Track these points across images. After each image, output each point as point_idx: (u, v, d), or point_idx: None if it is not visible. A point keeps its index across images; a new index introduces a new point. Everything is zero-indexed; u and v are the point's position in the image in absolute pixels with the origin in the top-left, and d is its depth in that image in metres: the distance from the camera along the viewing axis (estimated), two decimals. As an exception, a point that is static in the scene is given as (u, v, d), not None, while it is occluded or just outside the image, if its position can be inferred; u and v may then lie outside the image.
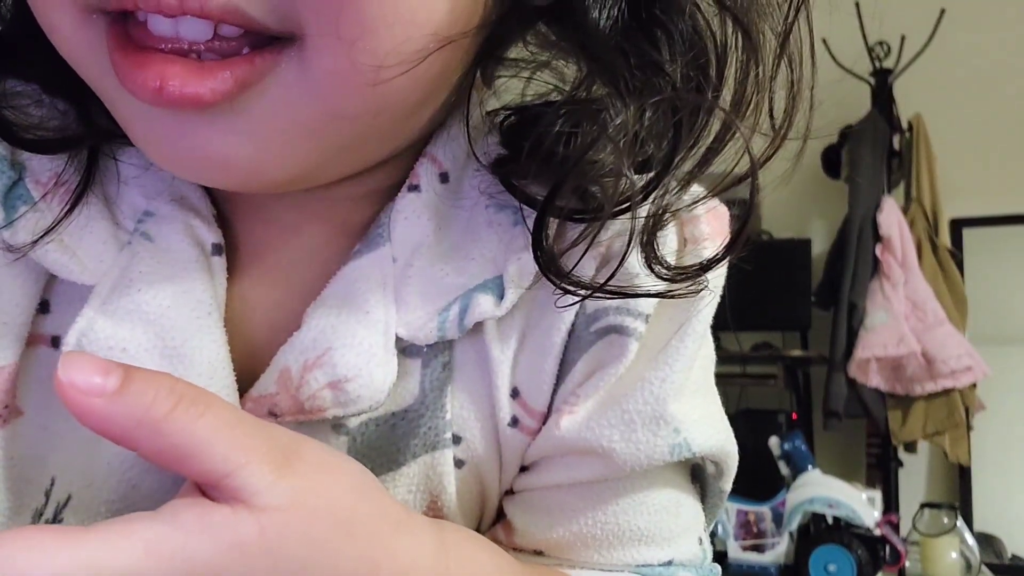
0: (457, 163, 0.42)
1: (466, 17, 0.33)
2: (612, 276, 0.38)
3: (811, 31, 0.37)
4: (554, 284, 0.38)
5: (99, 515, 0.38)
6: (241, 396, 0.39)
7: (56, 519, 0.38)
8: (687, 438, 0.43)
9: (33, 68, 0.38)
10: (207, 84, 0.30)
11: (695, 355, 0.44)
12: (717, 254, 0.40)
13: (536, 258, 0.38)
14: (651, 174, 0.38)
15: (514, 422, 0.43)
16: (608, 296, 0.40)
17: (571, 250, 0.39)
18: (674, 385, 0.42)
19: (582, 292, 0.39)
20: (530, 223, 0.39)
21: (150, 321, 0.37)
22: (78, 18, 0.32)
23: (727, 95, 0.37)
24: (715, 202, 0.43)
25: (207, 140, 0.32)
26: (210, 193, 0.41)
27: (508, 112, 0.42)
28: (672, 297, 0.40)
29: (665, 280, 0.39)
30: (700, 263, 0.40)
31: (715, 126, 0.37)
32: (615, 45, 0.36)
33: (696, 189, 0.40)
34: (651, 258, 0.39)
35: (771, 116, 0.37)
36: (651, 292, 0.40)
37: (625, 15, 0.36)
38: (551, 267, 0.38)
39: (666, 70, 0.36)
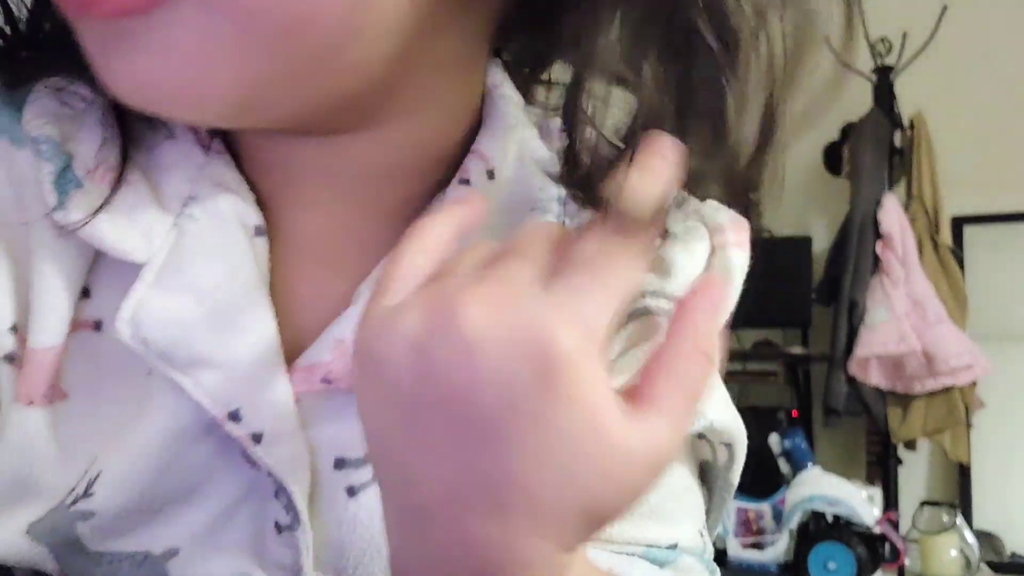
0: (503, 161, 0.44)
1: None
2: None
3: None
4: (582, 203, 0.40)
5: (136, 487, 0.38)
6: (288, 367, 0.40)
7: (87, 493, 0.39)
8: (705, 411, 0.43)
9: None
10: None
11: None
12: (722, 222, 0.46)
13: (569, 179, 0.40)
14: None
15: None
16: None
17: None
18: None
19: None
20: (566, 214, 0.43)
21: (202, 294, 0.38)
22: None
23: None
24: (736, 215, 0.47)
25: (135, 61, 0.34)
26: (249, 181, 0.42)
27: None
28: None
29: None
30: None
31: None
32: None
33: (717, 204, 0.45)
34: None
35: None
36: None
37: None
38: (585, 186, 0.39)
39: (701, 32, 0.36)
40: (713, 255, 0.46)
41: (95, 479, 0.39)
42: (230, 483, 0.40)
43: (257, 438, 0.38)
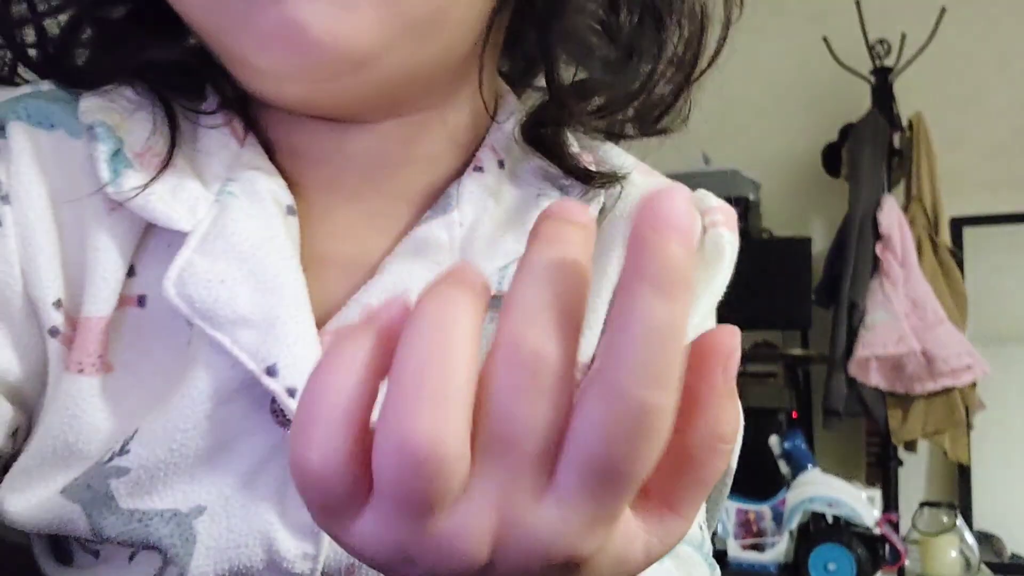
0: (510, 153, 0.49)
1: None
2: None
3: None
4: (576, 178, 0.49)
5: (171, 443, 0.41)
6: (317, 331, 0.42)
7: (123, 451, 0.41)
8: None
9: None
10: None
11: (706, 317, 0.49)
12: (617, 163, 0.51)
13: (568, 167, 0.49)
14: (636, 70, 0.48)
15: None
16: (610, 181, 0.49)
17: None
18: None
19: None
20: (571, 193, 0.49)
21: (244, 258, 0.41)
22: None
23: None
24: (722, 201, 0.51)
25: (289, 7, 0.37)
26: (281, 171, 0.46)
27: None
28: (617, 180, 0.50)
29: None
30: (610, 168, 0.51)
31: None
32: None
33: (705, 191, 0.51)
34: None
35: None
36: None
37: None
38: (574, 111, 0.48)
39: None
40: (704, 235, 0.49)
41: (131, 437, 0.41)
42: (258, 443, 0.42)
43: (292, 392, 0.40)
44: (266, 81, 0.42)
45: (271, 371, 0.40)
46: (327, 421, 0.25)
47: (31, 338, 0.43)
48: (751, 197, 2.82)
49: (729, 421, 0.27)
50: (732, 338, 0.27)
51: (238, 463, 0.41)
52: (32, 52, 0.46)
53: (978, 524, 2.68)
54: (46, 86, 0.45)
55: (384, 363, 0.25)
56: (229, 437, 0.41)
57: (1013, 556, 2.61)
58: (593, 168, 0.49)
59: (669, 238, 0.23)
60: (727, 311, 0.49)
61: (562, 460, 0.25)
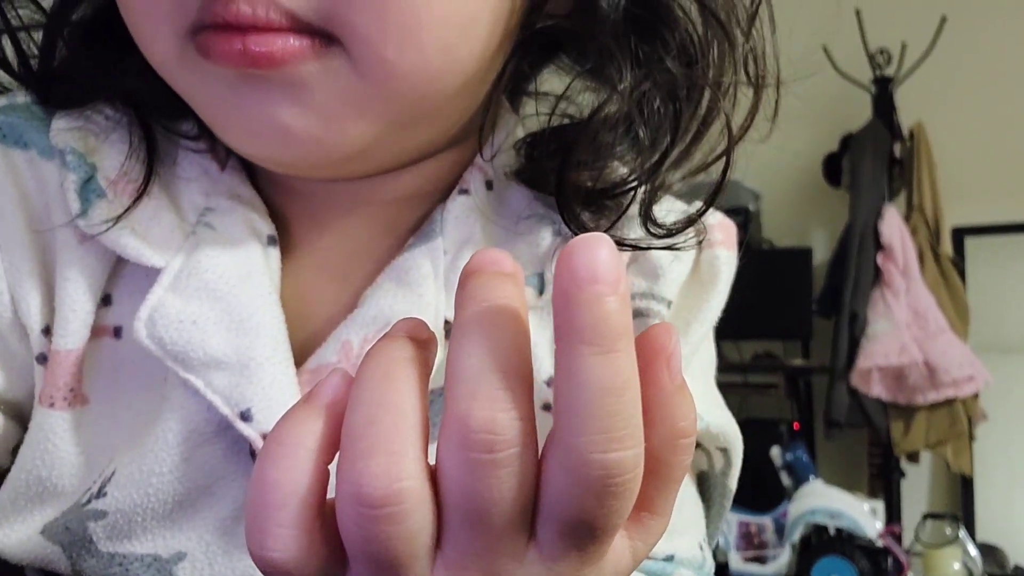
0: (499, 173, 0.47)
1: (501, 6, 0.38)
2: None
3: (772, 20, 0.43)
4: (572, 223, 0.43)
5: (148, 488, 0.40)
6: (296, 369, 0.41)
7: (100, 493, 0.40)
8: (700, 413, 0.43)
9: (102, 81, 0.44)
10: (278, 44, 0.34)
11: (701, 340, 0.47)
12: (701, 208, 0.45)
13: (569, 227, 0.43)
14: (653, 158, 0.43)
15: (547, 407, 0.43)
16: (627, 248, 0.44)
17: (600, 223, 0.44)
18: (687, 365, 0.45)
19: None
20: (563, 226, 0.44)
21: (217, 297, 0.40)
22: (173, 41, 0.36)
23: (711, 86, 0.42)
24: (723, 216, 0.49)
25: (275, 111, 0.36)
26: (264, 199, 0.45)
27: (530, 135, 0.47)
28: (677, 248, 0.45)
29: (662, 237, 0.44)
30: (688, 216, 0.45)
31: (700, 110, 0.43)
32: (617, 33, 0.41)
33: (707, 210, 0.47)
34: (649, 221, 0.44)
35: (753, 81, 0.43)
36: (661, 247, 0.44)
37: (624, 12, 0.40)
38: (582, 231, 0.43)
39: (663, 58, 0.41)
40: (700, 255, 0.47)
41: (109, 479, 0.40)
42: (238, 487, 0.41)
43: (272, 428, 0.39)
44: (253, 157, 0.42)
45: (245, 416, 0.39)
46: (279, 515, 0.24)
47: (25, 362, 0.42)
48: (751, 207, 2.82)
49: (685, 416, 0.26)
50: (668, 336, 0.26)
51: (219, 508, 0.40)
52: (12, 62, 0.45)
53: (981, 536, 2.67)
54: (22, 98, 0.44)
55: (333, 437, 0.25)
56: (208, 481, 0.40)
57: (1016, 568, 2.60)
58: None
59: (596, 292, 0.22)
60: (728, 322, 0.48)
61: (538, 517, 0.25)
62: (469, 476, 0.24)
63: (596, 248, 0.23)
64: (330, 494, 0.25)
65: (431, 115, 0.40)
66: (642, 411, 0.25)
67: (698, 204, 0.48)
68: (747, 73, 0.42)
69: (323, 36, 0.35)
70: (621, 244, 0.44)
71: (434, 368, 0.27)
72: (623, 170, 0.44)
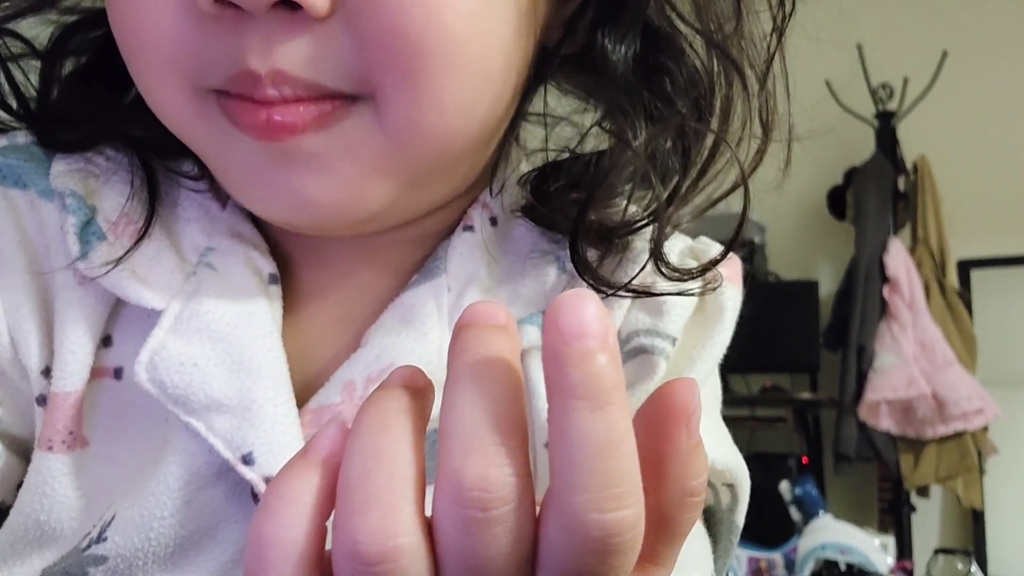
0: (504, 210, 0.47)
1: (516, 62, 0.38)
2: (634, 277, 0.44)
3: (784, 64, 0.43)
4: (592, 287, 0.42)
5: (149, 532, 0.39)
6: (299, 409, 0.41)
7: (100, 538, 0.39)
8: (706, 450, 0.43)
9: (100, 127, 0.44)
10: (300, 115, 0.35)
11: (707, 377, 0.47)
12: (716, 256, 0.45)
13: (577, 269, 0.43)
14: (663, 197, 0.43)
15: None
16: (633, 295, 0.44)
17: (606, 262, 0.45)
18: None
19: (614, 291, 0.44)
20: (567, 262, 0.44)
21: (218, 339, 0.40)
22: (190, 95, 0.36)
23: (718, 124, 0.43)
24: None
25: (300, 183, 0.36)
26: (265, 236, 0.44)
27: (536, 170, 0.47)
28: (687, 295, 0.44)
29: (674, 280, 0.44)
30: (702, 264, 0.44)
31: (707, 149, 0.43)
32: (629, 84, 0.41)
33: (709, 240, 0.47)
34: (660, 262, 0.43)
35: (763, 124, 0.43)
36: (669, 291, 0.44)
37: (634, 58, 0.41)
38: (588, 274, 0.43)
39: (674, 102, 0.41)
40: (705, 291, 0.47)
41: (109, 523, 0.39)
42: (240, 530, 0.40)
43: (269, 481, 0.38)
44: (269, 219, 0.42)
45: (247, 459, 0.38)
46: (278, 572, 0.24)
47: (28, 400, 0.41)
48: (756, 240, 2.82)
49: (697, 475, 0.26)
50: (691, 394, 0.26)
51: (220, 551, 0.40)
52: (12, 101, 0.45)
53: (993, 570, 2.64)
54: (22, 138, 0.44)
55: (331, 490, 0.25)
56: (210, 524, 0.40)
57: (1030, 603, 2.57)
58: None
59: (585, 348, 0.22)
60: (735, 355, 0.48)
61: (538, 572, 0.24)
62: (464, 533, 0.23)
63: (583, 304, 0.23)
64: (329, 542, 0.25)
65: (447, 171, 0.41)
66: (654, 467, 0.25)
67: (703, 238, 0.49)
68: (760, 119, 0.43)
69: (347, 97, 0.35)
70: (628, 290, 0.44)
71: (436, 410, 0.27)
72: (633, 208, 0.43)
